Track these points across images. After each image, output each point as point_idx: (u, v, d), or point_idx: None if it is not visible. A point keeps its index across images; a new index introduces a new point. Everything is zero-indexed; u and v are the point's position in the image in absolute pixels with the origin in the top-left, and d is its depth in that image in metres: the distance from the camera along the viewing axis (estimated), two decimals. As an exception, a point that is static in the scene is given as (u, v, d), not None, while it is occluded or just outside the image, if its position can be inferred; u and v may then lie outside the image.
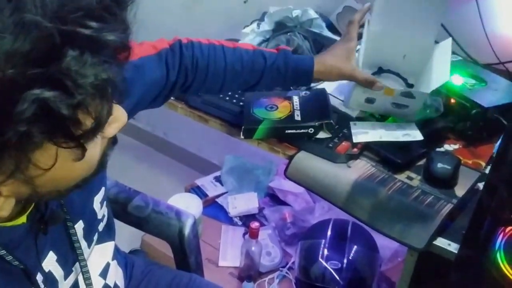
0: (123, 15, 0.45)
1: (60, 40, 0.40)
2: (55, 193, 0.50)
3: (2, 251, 0.56)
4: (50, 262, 0.64)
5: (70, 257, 0.67)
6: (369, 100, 1.01)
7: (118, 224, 0.87)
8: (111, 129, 0.51)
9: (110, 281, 0.77)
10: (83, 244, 0.69)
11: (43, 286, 0.62)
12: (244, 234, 1.65)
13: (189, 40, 0.87)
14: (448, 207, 0.87)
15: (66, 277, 0.67)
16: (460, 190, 0.91)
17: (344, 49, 0.96)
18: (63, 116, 0.40)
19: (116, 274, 0.80)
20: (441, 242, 0.82)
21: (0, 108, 0.39)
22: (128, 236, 1.66)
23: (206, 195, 1.78)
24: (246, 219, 1.70)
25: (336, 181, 0.93)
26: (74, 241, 0.66)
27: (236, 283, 1.52)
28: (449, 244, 0.82)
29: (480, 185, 0.92)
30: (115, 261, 0.80)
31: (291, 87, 1.09)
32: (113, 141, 0.54)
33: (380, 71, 1.12)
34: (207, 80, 0.88)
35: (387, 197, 0.90)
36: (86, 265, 0.69)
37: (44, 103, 0.39)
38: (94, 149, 0.49)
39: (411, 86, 1.09)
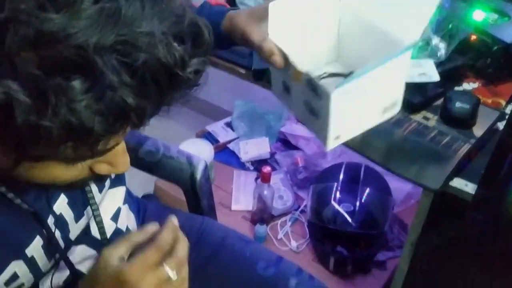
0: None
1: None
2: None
3: (10, 194, 0.55)
4: (62, 205, 0.64)
5: (81, 201, 0.67)
6: (286, 87, 0.65)
7: (131, 170, 0.86)
8: (101, 167, 0.50)
9: (121, 225, 0.77)
10: (94, 188, 0.69)
11: (54, 227, 0.62)
12: (256, 179, 1.65)
13: None
14: (465, 148, 0.85)
15: (77, 220, 0.67)
16: (478, 130, 0.88)
17: (264, 8, 0.64)
18: (16, 124, 0.37)
19: (128, 218, 0.80)
20: (457, 182, 0.80)
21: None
22: (140, 182, 1.66)
23: (217, 141, 1.77)
24: (258, 164, 1.70)
25: (349, 122, 0.90)
26: (89, 193, 0.67)
27: (249, 226, 1.54)
28: (466, 185, 0.80)
29: (500, 125, 0.89)
30: (126, 206, 0.79)
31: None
32: (97, 177, 0.52)
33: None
34: None
35: (403, 138, 0.87)
36: (97, 209, 0.69)
37: (8, 97, 0.36)
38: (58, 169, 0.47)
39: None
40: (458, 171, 0.82)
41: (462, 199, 0.79)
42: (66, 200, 0.64)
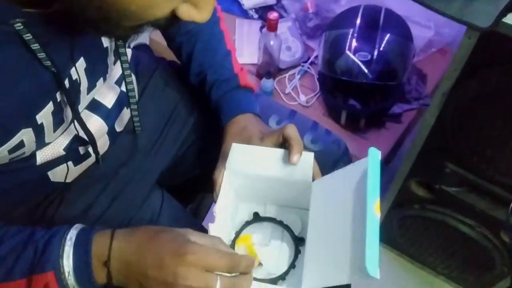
0: None
1: None
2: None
3: (35, 45, 0.47)
4: (80, 70, 0.58)
5: (101, 70, 0.63)
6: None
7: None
8: (185, 9, 0.46)
9: (123, 88, 0.72)
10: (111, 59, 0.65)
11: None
12: (261, 28, 1.51)
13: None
14: (525, -25, 0.68)
15: (88, 91, 0.62)
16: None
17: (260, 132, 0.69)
18: None
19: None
20: (511, 19, 0.66)
21: None
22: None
23: (216, -15, 1.58)
24: (263, 11, 1.55)
25: None
26: (121, 48, 0.63)
27: (255, 80, 1.43)
28: (522, 22, 0.66)
29: None
30: (127, 65, 0.72)
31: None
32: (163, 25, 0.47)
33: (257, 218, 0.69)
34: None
35: (447, -36, 0.70)
36: (128, 68, 0.66)
37: None
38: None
39: (300, 240, 0.65)
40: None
41: (515, 39, 0.66)
42: (84, 65, 0.58)
